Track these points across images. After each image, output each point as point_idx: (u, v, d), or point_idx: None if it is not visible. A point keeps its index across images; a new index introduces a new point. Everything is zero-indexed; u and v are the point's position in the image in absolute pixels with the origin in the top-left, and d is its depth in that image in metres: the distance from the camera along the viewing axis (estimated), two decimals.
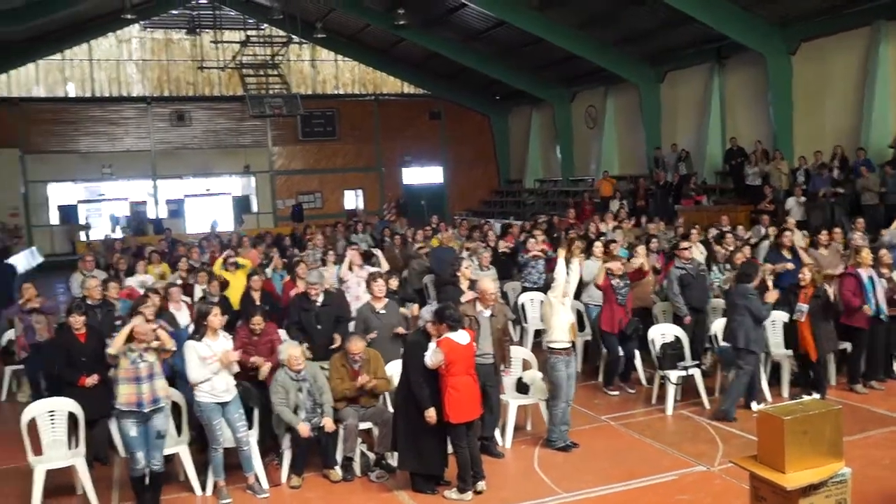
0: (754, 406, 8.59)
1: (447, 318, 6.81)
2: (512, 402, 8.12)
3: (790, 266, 10.30)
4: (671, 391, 8.92)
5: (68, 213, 29.85)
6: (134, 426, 6.48)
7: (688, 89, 23.00)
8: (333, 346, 8.40)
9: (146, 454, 6.56)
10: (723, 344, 9.29)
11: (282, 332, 8.54)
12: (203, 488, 7.09)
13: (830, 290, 8.90)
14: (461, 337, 6.79)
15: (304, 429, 7.06)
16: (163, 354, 6.76)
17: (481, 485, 6.87)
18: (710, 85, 21.96)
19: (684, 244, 10.72)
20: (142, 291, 9.60)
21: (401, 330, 8.38)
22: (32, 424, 7.01)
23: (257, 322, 7.91)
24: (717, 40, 20.48)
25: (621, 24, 22.02)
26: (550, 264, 11.66)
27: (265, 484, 7.14)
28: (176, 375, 7.63)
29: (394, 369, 7.75)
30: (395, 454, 7.28)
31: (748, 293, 8.65)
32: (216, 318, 6.99)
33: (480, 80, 30.62)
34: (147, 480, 6.67)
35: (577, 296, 10.27)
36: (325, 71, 32.88)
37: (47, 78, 29.24)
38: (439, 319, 6.82)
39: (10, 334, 10.71)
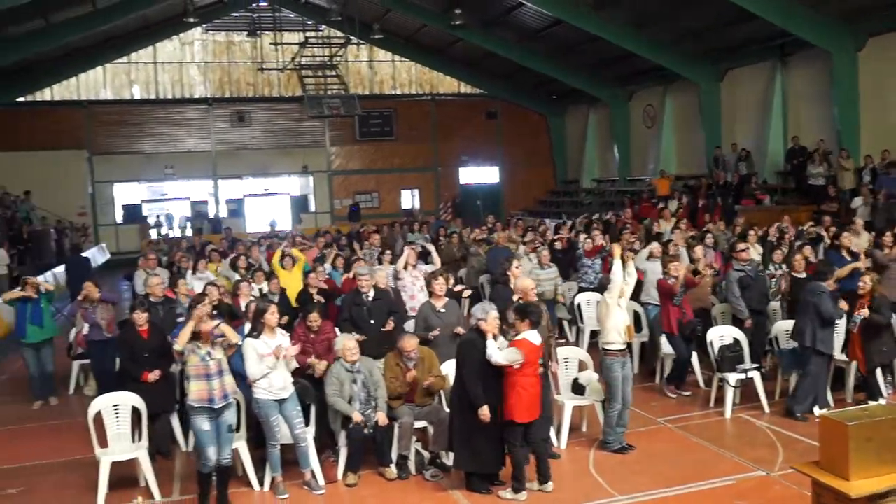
0: (816, 411, 8.40)
1: (530, 315, 6.81)
2: (567, 402, 8.09)
3: (860, 264, 10.03)
4: (729, 394, 8.78)
5: (133, 212, 30.61)
6: (206, 421, 6.59)
7: (749, 87, 22.57)
8: (385, 329, 8.49)
9: (216, 450, 6.68)
10: (784, 346, 9.14)
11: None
12: (261, 484, 7.22)
13: (864, 311, 8.56)
14: (536, 337, 6.79)
15: (357, 416, 7.13)
16: (229, 349, 6.89)
17: (549, 486, 6.87)
18: (772, 83, 21.53)
19: (741, 245, 10.53)
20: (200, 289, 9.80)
21: (460, 329, 8.40)
22: (98, 417, 7.21)
23: (314, 319, 7.99)
24: (779, 37, 20.08)
25: (680, 22, 21.73)
26: (606, 264, 11.61)
27: (321, 480, 7.22)
28: (236, 374, 7.76)
29: (450, 368, 7.78)
30: (450, 453, 7.32)
31: (819, 290, 8.46)
32: (273, 315, 7.09)
33: (537, 80, 30.53)
34: (214, 475, 6.81)
35: (636, 296, 10.20)
36: (383, 71, 33.14)
37: (114, 81, 30.10)
38: (522, 316, 6.82)
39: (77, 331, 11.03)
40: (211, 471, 6.66)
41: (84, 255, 20.89)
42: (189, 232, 27.98)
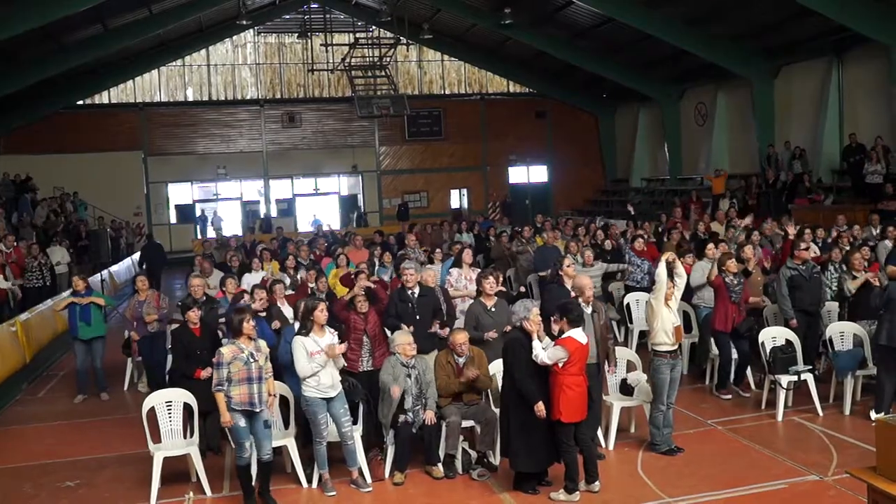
0: (873, 415, 8.21)
1: (569, 313, 6.78)
2: (616, 403, 8.02)
3: None
4: (781, 396, 8.62)
5: (185, 212, 31.18)
6: (242, 417, 6.66)
7: (804, 84, 22.15)
8: (431, 331, 8.50)
9: (253, 444, 6.75)
10: (838, 348, 8.96)
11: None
12: (309, 481, 7.29)
13: None
14: (581, 336, 6.75)
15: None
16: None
17: (596, 486, 6.82)
18: (828, 79, 21.11)
19: (803, 244, 10.32)
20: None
21: (509, 328, 8.36)
22: (151, 414, 7.34)
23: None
24: (835, 32, 19.66)
25: (733, 19, 21.42)
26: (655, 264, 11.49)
27: (369, 479, 7.26)
28: (283, 369, 7.85)
29: (493, 369, 7.77)
30: (497, 452, 7.32)
31: None
32: (322, 313, 7.14)
33: (587, 79, 30.36)
34: (256, 470, 6.89)
35: (689, 297, 10.08)
36: (432, 71, 33.25)
37: (168, 83, 30.72)
38: (561, 315, 6.80)
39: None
40: (248, 463, 6.74)
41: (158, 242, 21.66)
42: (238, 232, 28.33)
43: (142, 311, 10.17)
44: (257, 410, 6.68)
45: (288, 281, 11.36)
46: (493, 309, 8.47)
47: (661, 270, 7.78)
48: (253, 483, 6.86)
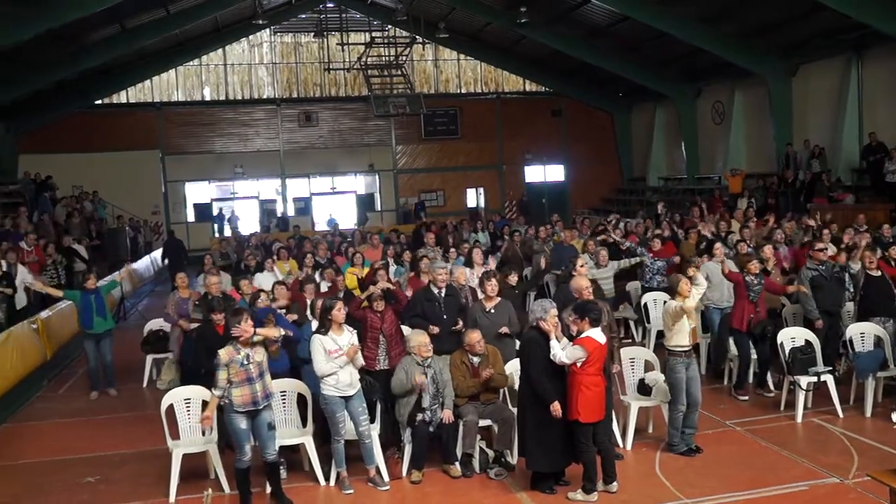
0: (894, 417, 8.15)
1: (589, 313, 6.78)
2: (633, 403, 8.00)
3: None
4: (801, 397, 8.57)
5: (203, 210, 31.31)
6: (244, 420, 6.67)
7: (822, 82, 21.94)
8: (456, 329, 8.44)
9: (254, 447, 6.74)
10: (858, 349, 8.89)
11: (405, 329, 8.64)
12: (326, 478, 7.31)
13: None
14: (600, 335, 6.75)
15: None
16: (271, 346, 7.01)
17: (614, 486, 6.81)
18: (847, 77, 20.89)
19: (820, 245, 10.25)
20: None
21: (504, 330, 8.33)
22: (170, 410, 7.40)
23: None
24: (855, 30, 19.48)
25: (750, 16, 21.26)
26: (670, 268, 11.47)
27: (386, 477, 7.28)
28: (301, 367, 7.88)
29: (510, 369, 7.76)
30: (515, 452, 7.31)
31: None
32: (340, 312, 7.16)
33: (603, 77, 30.23)
34: (265, 471, 6.91)
35: None
36: (448, 70, 33.23)
37: (185, 83, 30.84)
38: (581, 315, 6.79)
39: (151, 325, 11.37)
40: (247, 467, 6.72)
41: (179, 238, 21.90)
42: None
43: (188, 309, 10.17)
44: (261, 408, 6.69)
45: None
46: (491, 311, 8.44)
47: (703, 280, 7.90)
48: (251, 487, 6.82)
